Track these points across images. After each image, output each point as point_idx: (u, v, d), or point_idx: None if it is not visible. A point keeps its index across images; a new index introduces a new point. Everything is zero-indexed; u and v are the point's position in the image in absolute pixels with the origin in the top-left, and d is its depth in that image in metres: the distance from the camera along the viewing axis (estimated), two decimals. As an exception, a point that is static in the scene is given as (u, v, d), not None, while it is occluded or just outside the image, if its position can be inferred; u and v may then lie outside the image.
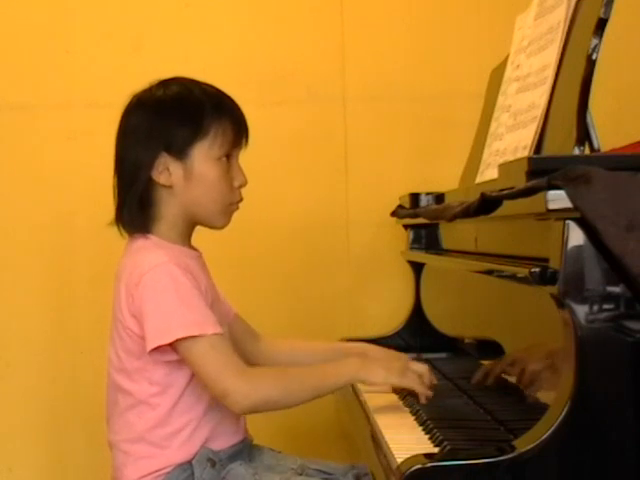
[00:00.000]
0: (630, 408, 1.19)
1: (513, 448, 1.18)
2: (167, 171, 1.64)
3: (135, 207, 1.65)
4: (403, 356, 1.82)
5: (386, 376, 1.64)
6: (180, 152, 1.64)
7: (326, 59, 2.52)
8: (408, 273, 2.32)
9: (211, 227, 1.71)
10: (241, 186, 1.69)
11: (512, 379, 1.53)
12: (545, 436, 1.17)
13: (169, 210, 1.66)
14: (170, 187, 1.65)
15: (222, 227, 1.71)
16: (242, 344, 1.79)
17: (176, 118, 1.65)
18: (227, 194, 1.68)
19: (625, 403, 1.19)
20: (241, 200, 1.71)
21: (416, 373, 1.66)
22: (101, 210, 2.49)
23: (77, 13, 2.51)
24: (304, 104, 2.51)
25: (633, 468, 1.19)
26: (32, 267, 2.50)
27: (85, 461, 2.49)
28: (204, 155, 1.64)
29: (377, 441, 1.51)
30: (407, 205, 2.21)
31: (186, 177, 1.64)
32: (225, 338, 1.61)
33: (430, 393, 1.64)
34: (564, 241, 1.19)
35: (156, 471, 1.62)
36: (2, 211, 2.50)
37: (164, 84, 1.70)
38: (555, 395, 1.21)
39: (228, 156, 1.67)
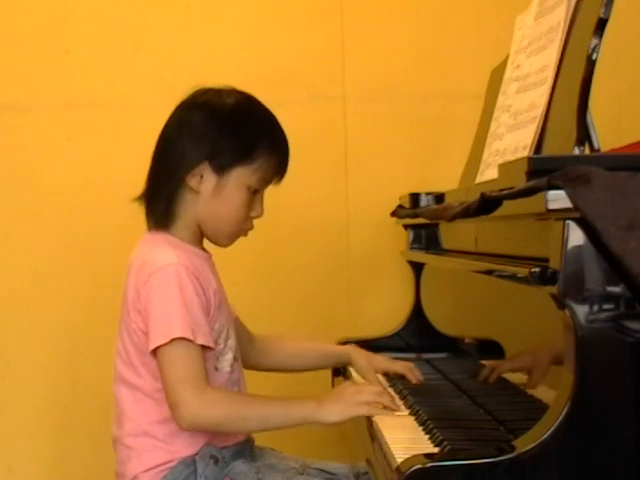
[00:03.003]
0: (630, 408, 1.19)
1: (513, 448, 1.18)
2: (200, 178, 1.66)
3: (163, 202, 1.68)
4: (379, 368, 1.88)
5: (343, 412, 1.60)
6: (221, 167, 1.66)
7: (326, 59, 2.52)
8: (408, 273, 2.32)
9: (214, 242, 1.74)
10: (256, 217, 1.72)
11: (512, 379, 1.53)
12: (545, 436, 1.17)
13: (188, 212, 1.69)
14: (196, 192, 1.67)
15: (224, 246, 1.74)
16: (240, 346, 1.80)
17: (233, 136, 1.67)
18: (242, 221, 1.71)
19: (625, 403, 1.19)
20: (251, 228, 1.73)
21: (371, 395, 1.64)
22: (101, 210, 2.50)
23: (77, 13, 2.51)
24: (304, 104, 2.51)
25: (633, 468, 1.19)
26: (32, 267, 2.50)
27: (85, 460, 2.48)
28: (240, 180, 1.67)
29: (377, 441, 1.51)
30: (407, 205, 2.20)
31: (215, 191, 1.67)
32: (202, 353, 1.61)
33: (388, 410, 1.62)
34: (564, 241, 1.19)
35: (160, 465, 1.63)
36: (2, 211, 2.50)
37: (235, 95, 1.72)
38: (555, 395, 1.21)
39: (259, 189, 1.71)
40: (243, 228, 1.72)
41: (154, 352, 1.60)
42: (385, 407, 1.62)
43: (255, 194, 1.70)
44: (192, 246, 1.70)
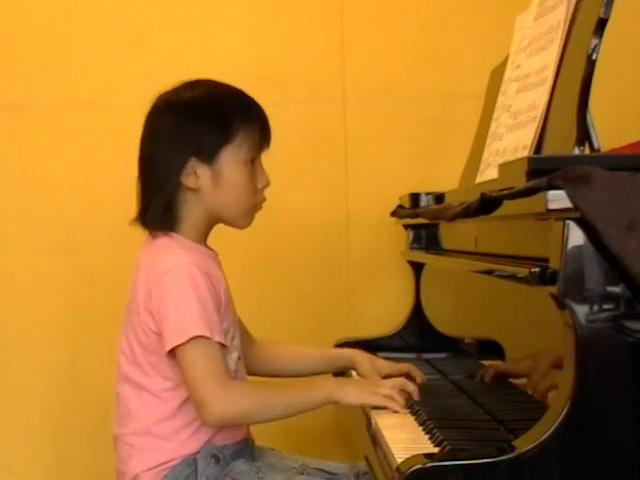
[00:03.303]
0: (630, 408, 1.19)
1: (513, 448, 1.18)
2: (195, 175, 1.66)
3: (161, 209, 1.67)
4: (382, 372, 1.86)
5: (359, 397, 1.63)
6: (209, 156, 1.66)
7: (326, 59, 2.52)
8: (408, 273, 2.32)
9: (234, 227, 1.74)
10: (264, 187, 1.73)
11: (512, 379, 1.53)
12: (545, 436, 1.17)
13: (192, 212, 1.69)
14: (197, 190, 1.67)
15: (245, 227, 1.74)
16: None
17: (205, 122, 1.67)
18: (252, 196, 1.71)
19: (625, 403, 1.19)
20: (264, 200, 1.74)
21: (390, 390, 1.64)
22: (101, 210, 2.50)
23: (77, 13, 2.51)
24: (304, 104, 2.50)
25: (633, 468, 1.19)
26: (32, 267, 2.50)
27: (85, 460, 2.48)
28: (232, 159, 1.67)
29: (377, 441, 1.51)
30: (407, 205, 2.20)
31: (214, 181, 1.67)
32: (221, 349, 1.61)
33: (401, 408, 1.63)
34: (564, 241, 1.19)
35: (162, 464, 1.64)
36: (2, 211, 2.50)
37: (191, 86, 1.72)
38: (555, 395, 1.21)
39: (253, 159, 1.70)
40: (256, 202, 1.72)
41: (171, 352, 1.60)
42: (401, 404, 1.63)
43: (253, 165, 1.70)
44: (200, 245, 1.70)
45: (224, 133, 1.66)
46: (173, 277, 1.60)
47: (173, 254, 1.64)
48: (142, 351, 1.65)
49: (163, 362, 1.63)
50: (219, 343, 1.60)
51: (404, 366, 1.87)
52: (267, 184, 1.72)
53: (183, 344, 1.58)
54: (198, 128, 1.66)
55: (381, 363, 1.90)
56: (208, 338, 1.58)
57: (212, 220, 1.71)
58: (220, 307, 1.65)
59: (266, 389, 1.68)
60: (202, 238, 1.72)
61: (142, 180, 1.71)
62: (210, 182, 1.66)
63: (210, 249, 1.74)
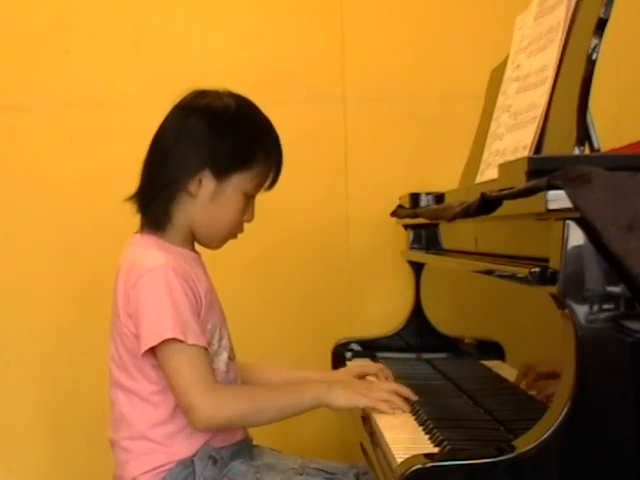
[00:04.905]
0: (630, 408, 1.19)
1: (513, 448, 1.18)
2: (199, 183, 1.66)
3: (162, 206, 1.67)
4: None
5: (350, 400, 1.63)
6: (220, 173, 1.67)
7: (326, 59, 2.52)
8: (408, 273, 2.32)
9: (204, 245, 1.75)
10: (248, 221, 1.73)
11: (512, 379, 1.53)
12: (545, 436, 1.17)
13: (182, 215, 1.69)
14: (194, 197, 1.67)
15: (214, 249, 1.75)
16: None
17: (233, 141, 1.67)
18: (235, 226, 1.72)
19: (625, 403, 1.19)
20: (242, 232, 1.75)
21: (382, 392, 1.65)
22: (101, 210, 2.50)
23: (77, 13, 2.51)
24: (304, 104, 2.51)
25: (633, 468, 1.19)
26: (32, 267, 2.50)
27: (85, 460, 2.49)
28: (239, 186, 1.68)
29: (377, 441, 1.51)
30: (407, 205, 2.20)
31: (213, 196, 1.67)
32: (203, 352, 1.61)
33: (403, 407, 1.63)
34: (564, 241, 1.19)
35: (159, 467, 1.64)
36: (2, 211, 2.50)
37: (234, 98, 1.71)
38: (555, 395, 1.21)
39: (252, 195, 1.72)
40: (235, 232, 1.74)
41: (154, 356, 1.61)
42: (394, 406, 1.62)
43: (249, 199, 1.71)
44: (182, 248, 1.70)
45: (245, 160, 1.68)
46: (148, 280, 1.61)
47: (150, 256, 1.64)
48: (128, 355, 1.65)
49: (147, 365, 1.63)
50: (194, 345, 1.59)
51: (373, 366, 1.90)
52: (251, 220, 1.73)
53: (160, 348, 1.58)
54: (226, 144, 1.67)
55: (350, 367, 1.94)
56: (181, 341, 1.57)
57: (190, 230, 1.72)
58: (200, 309, 1.65)
59: (255, 393, 1.68)
60: (187, 241, 1.72)
61: (151, 167, 1.71)
62: (209, 195, 1.67)
63: (193, 251, 1.74)
